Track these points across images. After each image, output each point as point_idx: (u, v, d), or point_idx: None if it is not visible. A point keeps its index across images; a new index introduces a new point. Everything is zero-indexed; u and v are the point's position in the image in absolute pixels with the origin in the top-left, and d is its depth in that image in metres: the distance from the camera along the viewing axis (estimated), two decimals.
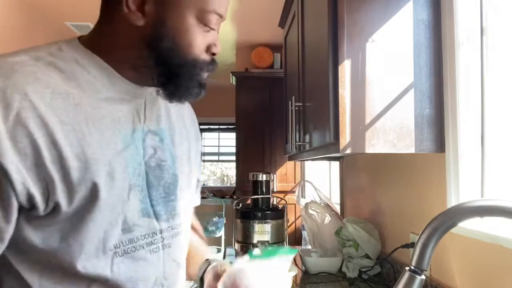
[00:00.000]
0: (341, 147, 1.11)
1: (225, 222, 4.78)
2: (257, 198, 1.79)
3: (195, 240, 0.94)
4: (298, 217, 3.75)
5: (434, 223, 0.67)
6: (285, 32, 2.17)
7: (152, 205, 0.71)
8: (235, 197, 3.91)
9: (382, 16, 1.12)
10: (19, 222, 0.60)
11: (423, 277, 0.67)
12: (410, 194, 1.40)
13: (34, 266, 0.63)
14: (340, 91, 1.11)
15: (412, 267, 0.67)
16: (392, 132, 1.11)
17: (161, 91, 0.68)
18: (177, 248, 0.78)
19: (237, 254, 1.83)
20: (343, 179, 2.32)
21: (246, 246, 1.73)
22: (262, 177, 1.80)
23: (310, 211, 1.95)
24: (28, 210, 0.60)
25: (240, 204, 1.80)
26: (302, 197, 3.21)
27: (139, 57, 0.66)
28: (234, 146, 4.10)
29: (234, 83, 3.90)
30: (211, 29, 0.68)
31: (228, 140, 6.28)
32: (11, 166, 0.55)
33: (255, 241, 1.70)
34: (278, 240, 1.73)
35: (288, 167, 3.85)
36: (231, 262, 0.86)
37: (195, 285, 0.94)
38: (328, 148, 1.24)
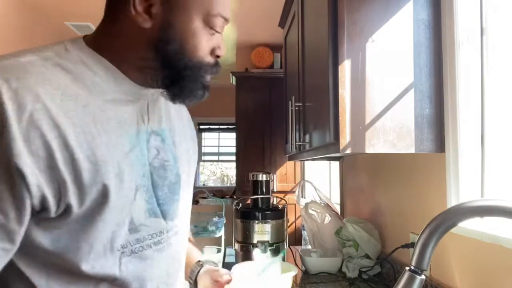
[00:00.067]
0: (341, 147, 1.11)
1: (225, 222, 4.78)
2: (257, 198, 1.79)
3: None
4: (298, 217, 3.75)
5: (434, 223, 0.67)
6: (285, 32, 2.17)
7: (159, 205, 0.72)
8: (235, 197, 3.90)
9: (382, 16, 1.12)
10: (28, 224, 0.60)
11: (423, 277, 0.67)
12: (410, 194, 1.40)
13: (42, 268, 0.63)
14: (340, 91, 1.11)
15: (412, 267, 0.67)
16: (392, 132, 1.11)
17: (165, 93, 0.69)
18: (179, 247, 0.79)
19: (237, 254, 1.83)
20: (343, 179, 2.32)
21: (246, 246, 1.72)
22: (262, 177, 1.80)
23: (310, 211, 1.95)
24: (37, 212, 0.59)
25: (240, 204, 1.79)
26: (302, 197, 3.21)
27: (144, 59, 0.66)
28: (234, 146, 4.10)
29: (234, 83, 3.90)
30: (216, 32, 0.69)
31: (228, 140, 6.28)
32: (27, 168, 0.55)
33: (255, 241, 1.70)
34: (278, 240, 1.73)
35: (288, 167, 3.85)
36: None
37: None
38: (328, 148, 1.24)
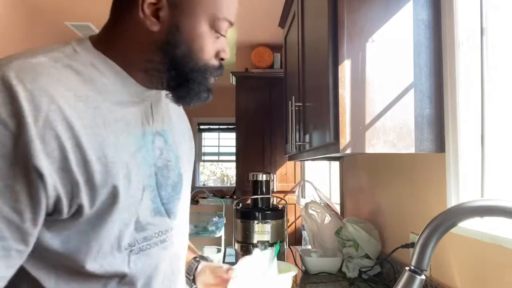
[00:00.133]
0: (341, 147, 1.11)
1: (225, 222, 4.77)
2: (257, 198, 1.79)
3: None
4: (298, 217, 3.75)
5: (434, 223, 0.67)
6: (285, 32, 2.17)
7: (163, 204, 0.73)
8: (235, 197, 3.91)
9: (382, 16, 1.12)
10: None
11: (423, 277, 0.67)
12: (410, 194, 1.40)
13: (51, 270, 0.63)
14: (340, 91, 1.11)
15: (412, 267, 0.67)
16: (392, 132, 1.11)
17: (170, 95, 0.69)
18: (181, 245, 0.81)
19: (237, 254, 1.83)
20: (343, 179, 2.32)
21: (246, 246, 1.72)
22: (262, 177, 1.80)
23: (310, 211, 1.95)
24: (48, 215, 0.59)
25: (240, 204, 1.79)
26: (302, 197, 3.21)
27: (151, 61, 0.67)
28: (234, 146, 4.10)
29: (234, 83, 3.90)
30: (222, 35, 0.69)
31: (228, 140, 6.29)
32: (45, 169, 0.55)
33: (255, 241, 1.70)
34: (278, 240, 1.73)
35: (288, 167, 3.85)
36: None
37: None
38: (328, 148, 1.24)
